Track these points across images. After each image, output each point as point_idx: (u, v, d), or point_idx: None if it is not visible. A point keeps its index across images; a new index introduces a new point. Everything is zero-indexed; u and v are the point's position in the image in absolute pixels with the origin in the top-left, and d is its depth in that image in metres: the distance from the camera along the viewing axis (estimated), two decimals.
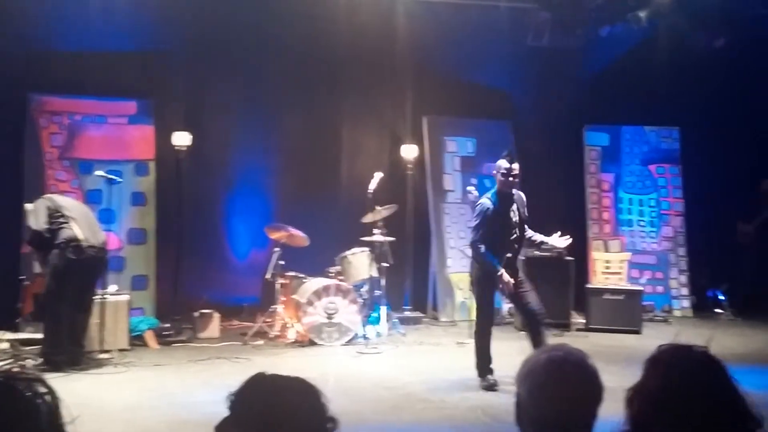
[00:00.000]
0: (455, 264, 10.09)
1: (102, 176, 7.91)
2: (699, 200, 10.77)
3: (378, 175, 8.63)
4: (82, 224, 6.97)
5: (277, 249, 8.59)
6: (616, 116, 10.90)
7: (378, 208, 8.72)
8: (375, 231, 8.78)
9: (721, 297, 10.46)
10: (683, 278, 10.73)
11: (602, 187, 10.98)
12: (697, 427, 1.92)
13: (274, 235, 8.69)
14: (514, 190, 6.69)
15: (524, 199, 6.82)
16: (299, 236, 8.66)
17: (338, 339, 8.21)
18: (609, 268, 9.85)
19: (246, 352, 7.83)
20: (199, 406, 5.73)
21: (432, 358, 7.82)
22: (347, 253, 8.70)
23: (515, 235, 6.66)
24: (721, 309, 10.38)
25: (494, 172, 6.78)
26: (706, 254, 10.72)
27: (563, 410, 1.95)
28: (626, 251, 10.43)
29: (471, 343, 8.29)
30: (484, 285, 6.64)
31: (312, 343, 8.14)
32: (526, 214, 6.78)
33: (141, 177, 9.09)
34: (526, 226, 6.80)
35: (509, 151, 6.76)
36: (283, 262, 8.57)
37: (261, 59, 9.57)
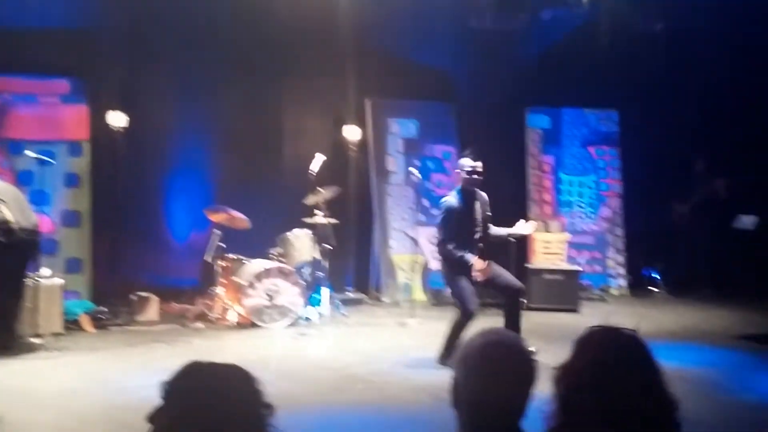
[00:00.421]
0: (398, 245, 10.11)
1: (33, 157, 7.68)
2: (636, 182, 10.97)
3: (320, 157, 8.56)
4: (12, 206, 6.75)
5: (217, 231, 8.47)
6: (557, 99, 11.01)
7: (320, 189, 8.66)
8: (317, 212, 8.72)
9: (657, 276, 10.69)
10: (620, 258, 10.94)
11: (543, 168, 11.10)
12: (622, 407, 1.96)
13: (214, 218, 8.56)
14: (476, 190, 6.75)
15: (486, 199, 6.87)
16: (240, 218, 8.55)
17: (280, 321, 8.15)
18: (549, 248, 9.98)
19: (185, 335, 7.71)
20: (136, 390, 5.60)
21: (374, 339, 7.81)
22: (289, 234, 8.63)
23: (479, 234, 6.70)
24: (656, 288, 10.62)
25: (457, 170, 6.81)
26: (643, 234, 10.93)
27: (498, 393, 1.98)
28: (566, 232, 10.57)
29: (414, 324, 8.40)
30: (458, 284, 6.60)
31: (253, 326, 8.06)
32: (489, 213, 6.84)
33: (75, 158, 8.85)
34: (489, 225, 6.84)
35: (472, 150, 6.79)
36: (223, 245, 8.46)
37: (200, 38, 9.35)
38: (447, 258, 6.66)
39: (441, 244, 6.65)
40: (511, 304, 6.67)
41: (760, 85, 10.54)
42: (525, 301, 8.68)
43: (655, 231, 11.00)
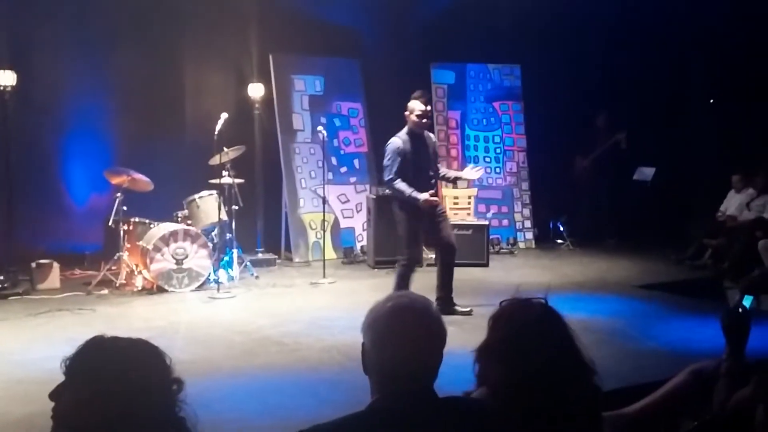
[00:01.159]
0: (307, 204, 10.01)
1: None
2: (540, 136, 11.16)
3: (224, 116, 8.32)
4: None
5: (119, 194, 8.16)
6: (461, 54, 11.03)
7: (225, 149, 8.44)
8: (223, 173, 8.51)
9: (561, 228, 10.96)
10: (526, 211, 11.16)
11: (449, 124, 11.15)
12: (535, 378, 1.98)
13: (115, 180, 8.25)
14: (425, 132, 6.94)
15: (434, 139, 7.16)
16: (142, 180, 8.27)
17: (188, 285, 7.98)
18: (457, 203, 10.06)
19: (90, 303, 7.45)
20: (38, 362, 5.38)
21: (285, 300, 7.75)
22: (195, 196, 8.40)
23: (430, 174, 6.91)
24: (561, 240, 10.90)
25: (407, 113, 6.88)
26: (547, 188, 11.17)
27: (406, 358, 1.95)
28: (473, 187, 10.67)
29: (326, 284, 8.38)
30: (407, 223, 6.79)
31: (161, 290, 7.87)
32: (437, 153, 7.14)
33: None
34: (438, 166, 7.13)
35: (423, 92, 6.96)
36: (125, 208, 8.16)
37: None
38: (396, 197, 6.83)
39: (388, 182, 6.80)
40: (443, 258, 6.94)
41: (661, 38, 10.85)
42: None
43: (559, 184, 11.27)
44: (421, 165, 6.82)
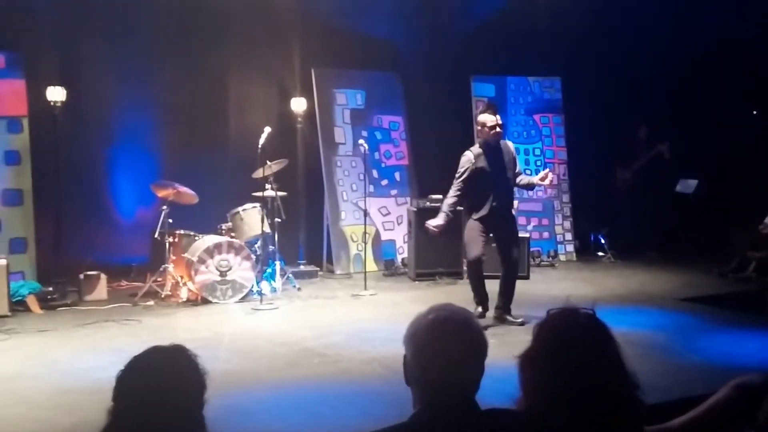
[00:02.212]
0: (349, 217, 10.08)
1: None
2: (580, 148, 11.09)
3: (267, 130, 8.45)
4: None
5: (164, 207, 8.33)
6: (502, 67, 11.03)
7: (268, 162, 8.56)
8: (266, 186, 8.64)
9: (603, 241, 10.87)
10: (567, 224, 11.09)
11: None
12: (583, 389, 1.96)
13: (161, 193, 8.42)
14: (501, 141, 7.05)
15: (512, 147, 7.22)
16: (187, 193, 8.43)
17: (232, 296, 8.09)
18: None
19: (136, 314, 7.60)
20: (86, 372, 5.51)
21: (327, 312, 7.80)
22: (239, 209, 8.53)
23: (506, 185, 7.01)
24: (603, 252, 10.80)
25: (478, 128, 7.05)
26: (588, 200, 11.10)
27: (447, 370, 1.96)
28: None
29: (367, 296, 8.43)
30: (467, 227, 7.02)
31: (205, 302, 7.99)
32: (516, 163, 7.17)
33: (13, 134, 8.56)
34: (518, 174, 7.20)
35: (490, 104, 7.13)
36: (171, 220, 8.33)
37: (139, 8, 9.12)
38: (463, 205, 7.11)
39: (447, 196, 7.03)
40: (507, 273, 7.07)
41: (703, 49, 10.73)
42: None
43: (600, 196, 11.19)
44: (497, 175, 6.91)
